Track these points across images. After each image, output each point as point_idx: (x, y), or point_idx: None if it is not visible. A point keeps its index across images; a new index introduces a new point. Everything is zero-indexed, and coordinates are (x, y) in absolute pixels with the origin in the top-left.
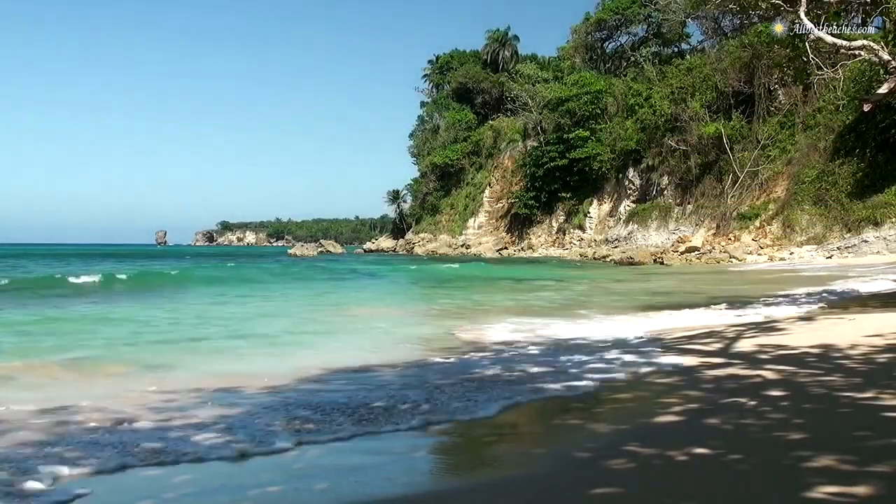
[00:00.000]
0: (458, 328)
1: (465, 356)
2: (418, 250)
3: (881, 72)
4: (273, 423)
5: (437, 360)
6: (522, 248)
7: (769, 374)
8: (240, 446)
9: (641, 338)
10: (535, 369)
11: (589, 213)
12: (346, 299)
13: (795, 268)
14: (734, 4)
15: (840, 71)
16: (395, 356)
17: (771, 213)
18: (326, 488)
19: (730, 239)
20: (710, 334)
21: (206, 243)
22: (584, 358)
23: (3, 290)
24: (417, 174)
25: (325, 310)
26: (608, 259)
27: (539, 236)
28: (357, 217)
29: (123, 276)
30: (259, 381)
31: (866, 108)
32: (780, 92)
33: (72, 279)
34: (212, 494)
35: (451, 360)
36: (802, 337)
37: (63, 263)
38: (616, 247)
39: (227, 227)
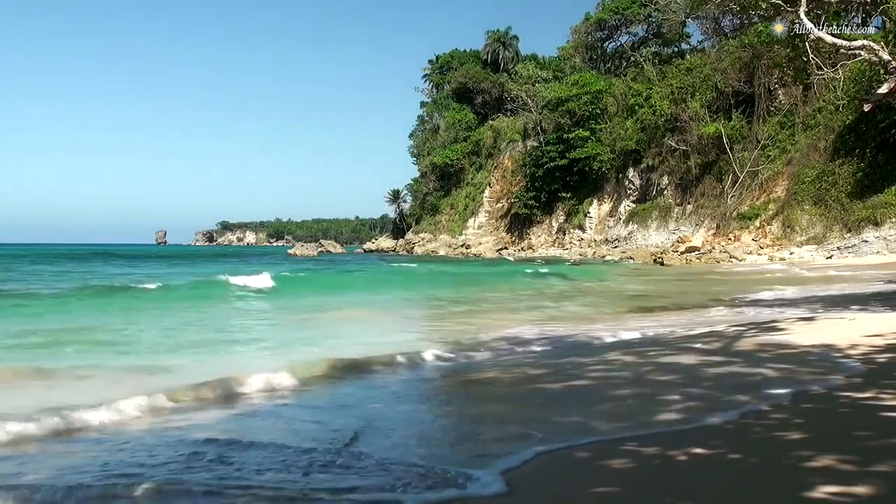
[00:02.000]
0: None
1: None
2: (418, 250)
3: (881, 72)
4: None
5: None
6: (522, 249)
7: (769, 374)
8: None
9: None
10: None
11: (589, 213)
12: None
13: (776, 269)
14: (734, 4)
15: (840, 71)
16: None
17: (771, 213)
18: None
19: (730, 239)
20: (709, 334)
21: (206, 243)
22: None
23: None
24: (417, 174)
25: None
26: (607, 258)
27: (539, 236)
28: (357, 217)
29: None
30: None
31: (866, 108)
32: (780, 92)
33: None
34: None
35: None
36: (803, 336)
37: (98, 264)
38: (616, 247)
39: (226, 227)
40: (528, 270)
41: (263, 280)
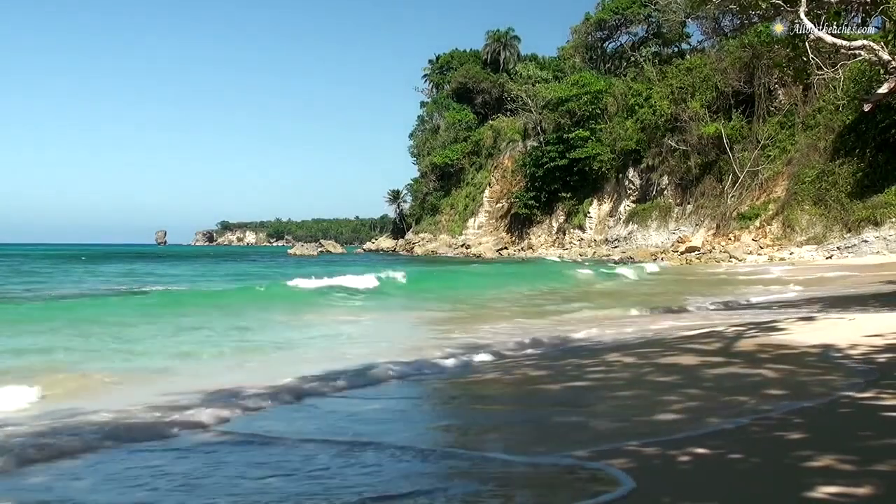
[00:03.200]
0: None
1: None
2: (418, 250)
3: (881, 72)
4: None
5: None
6: (522, 249)
7: (769, 374)
8: None
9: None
10: None
11: (589, 213)
12: None
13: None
14: (734, 4)
15: (840, 71)
16: None
17: (771, 213)
18: None
19: (730, 239)
20: (709, 334)
21: (206, 243)
22: None
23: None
24: (417, 174)
25: None
26: (607, 258)
27: (539, 236)
28: (357, 217)
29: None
30: None
31: (866, 108)
32: (780, 92)
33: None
34: None
35: None
36: (802, 336)
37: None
38: (616, 247)
39: (227, 227)
40: (583, 272)
41: (369, 281)
